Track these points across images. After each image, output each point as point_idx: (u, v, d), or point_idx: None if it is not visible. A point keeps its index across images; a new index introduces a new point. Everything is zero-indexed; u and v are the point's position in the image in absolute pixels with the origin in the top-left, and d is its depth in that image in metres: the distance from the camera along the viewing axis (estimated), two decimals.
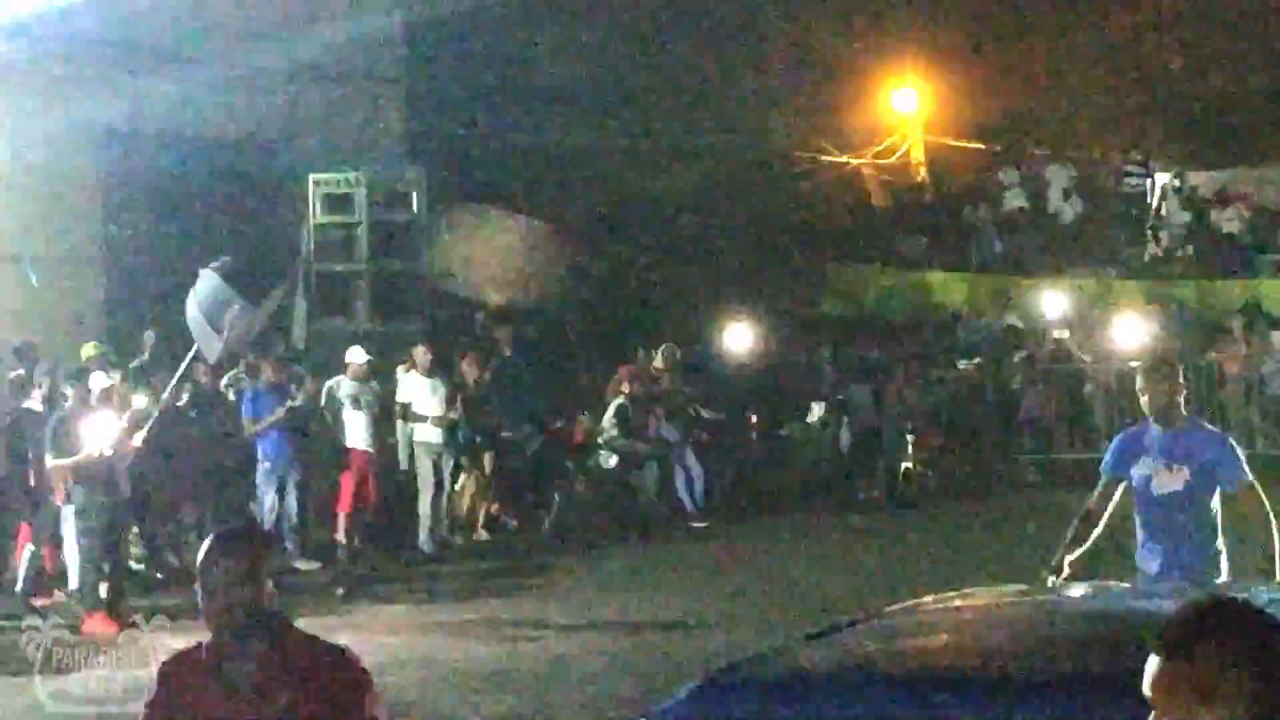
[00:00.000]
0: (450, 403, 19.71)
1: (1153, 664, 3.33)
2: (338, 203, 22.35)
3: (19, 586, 15.80)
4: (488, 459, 20.27)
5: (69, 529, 15.34)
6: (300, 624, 4.70)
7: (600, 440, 21.00)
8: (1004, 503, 21.68)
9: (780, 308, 27.92)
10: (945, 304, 28.68)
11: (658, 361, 22.24)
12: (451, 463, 19.82)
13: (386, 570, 18.18)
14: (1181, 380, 8.77)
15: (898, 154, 32.81)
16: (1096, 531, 8.69)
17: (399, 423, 19.70)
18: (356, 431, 19.05)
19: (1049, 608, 5.91)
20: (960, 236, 31.11)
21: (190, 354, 14.95)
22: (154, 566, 17.65)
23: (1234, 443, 8.87)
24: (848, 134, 32.06)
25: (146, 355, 19.59)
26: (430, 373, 19.71)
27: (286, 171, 22.94)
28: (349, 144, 22.99)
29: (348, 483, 18.99)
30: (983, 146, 32.62)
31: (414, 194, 22.70)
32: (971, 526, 19.55)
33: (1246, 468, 8.62)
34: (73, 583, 15.51)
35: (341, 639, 14.18)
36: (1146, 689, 3.33)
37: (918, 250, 30.63)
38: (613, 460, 20.84)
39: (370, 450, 19.17)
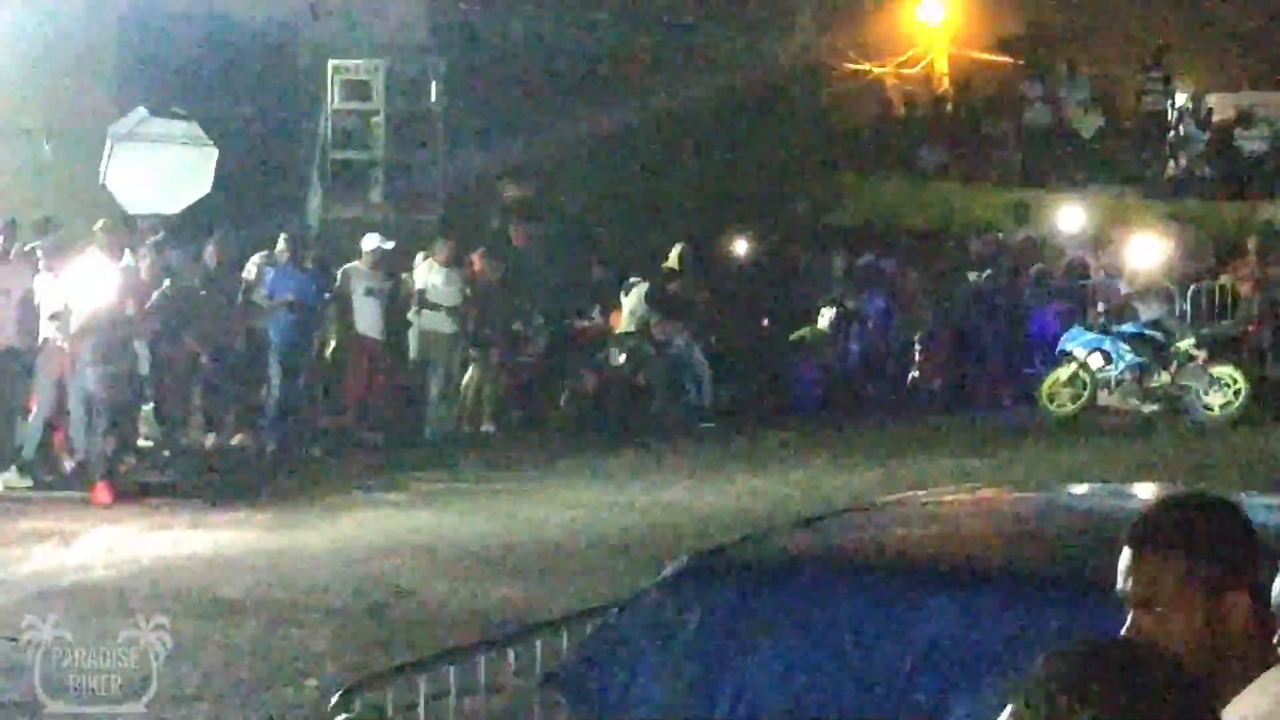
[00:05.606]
0: (464, 294, 19.75)
1: (1127, 557, 3.37)
2: (356, 89, 22.29)
3: (26, 455, 15.82)
4: (496, 353, 20.28)
5: (75, 400, 15.34)
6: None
7: (619, 331, 20.98)
8: (1008, 415, 21.72)
9: (797, 214, 27.82)
10: (962, 216, 28.55)
11: (672, 261, 22.20)
12: (461, 354, 19.88)
13: (392, 458, 18.23)
14: None
15: (921, 64, 32.61)
16: None
17: (412, 311, 19.72)
18: (368, 319, 19.08)
19: (1033, 505, 5.95)
20: (980, 149, 30.93)
21: None
22: (164, 444, 17.78)
23: None
24: (871, 43, 31.85)
25: (161, 235, 19.57)
26: (448, 263, 19.73)
27: (306, 56, 22.85)
28: (370, 30, 22.87)
29: (358, 370, 19.05)
30: (1006, 59, 32.41)
31: (433, 83, 22.62)
32: (973, 436, 19.61)
33: None
34: (79, 454, 15.62)
35: (344, 524, 14.29)
36: (1121, 582, 3.36)
37: (936, 161, 30.48)
38: (621, 357, 20.85)
39: (381, 338, 19.22)
